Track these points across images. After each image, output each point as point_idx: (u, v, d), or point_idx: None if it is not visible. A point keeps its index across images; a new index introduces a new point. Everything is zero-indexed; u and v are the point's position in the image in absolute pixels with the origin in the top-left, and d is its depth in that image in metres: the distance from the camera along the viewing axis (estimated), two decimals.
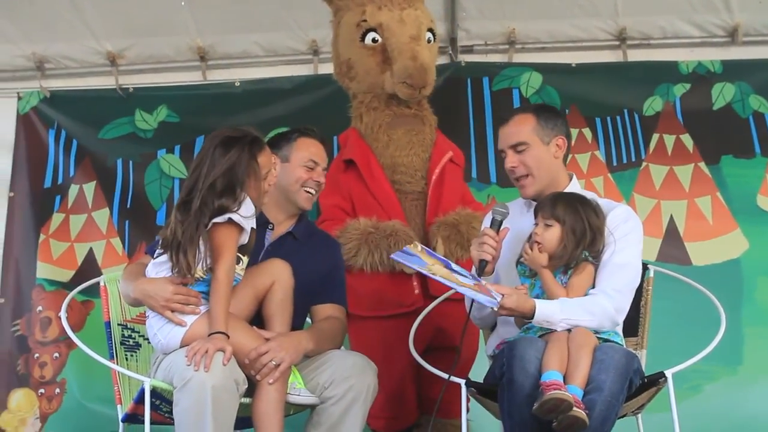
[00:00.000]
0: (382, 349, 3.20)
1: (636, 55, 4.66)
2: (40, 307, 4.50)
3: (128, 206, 4.60)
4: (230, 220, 2.60)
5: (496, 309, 2.63)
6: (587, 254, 2.73)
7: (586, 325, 2.65)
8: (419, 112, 3.60)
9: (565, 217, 2.73)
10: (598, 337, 2.66)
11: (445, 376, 2.84)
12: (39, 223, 4.60)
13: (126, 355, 3.03)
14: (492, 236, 2.77)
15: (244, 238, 2.66)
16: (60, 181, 4.65)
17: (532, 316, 2.65)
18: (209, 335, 2.56)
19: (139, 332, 3.05)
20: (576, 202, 2.78)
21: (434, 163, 3.54)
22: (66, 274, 4.51)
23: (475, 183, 4.47)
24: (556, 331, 2.64)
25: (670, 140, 4.57)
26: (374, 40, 3.54)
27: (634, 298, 2.82)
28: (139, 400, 2.66)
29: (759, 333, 4.25)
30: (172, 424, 2.56)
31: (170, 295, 2.63)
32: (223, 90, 4.72)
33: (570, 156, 3.06)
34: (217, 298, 2.59)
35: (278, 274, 2.75)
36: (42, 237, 4.57)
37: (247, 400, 2.64)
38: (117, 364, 2.96)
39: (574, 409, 2.41)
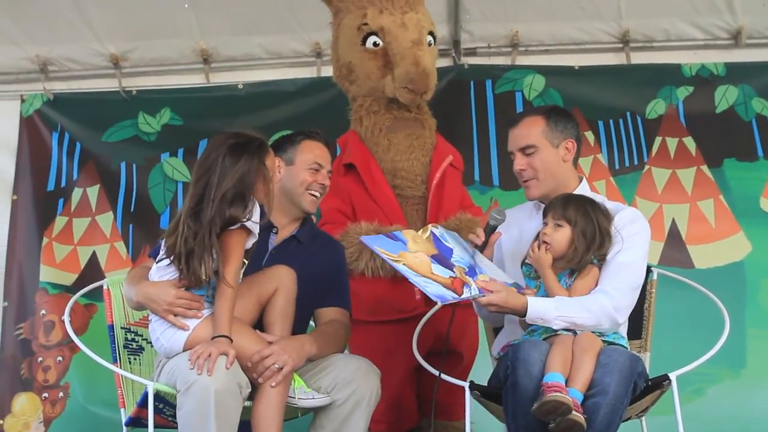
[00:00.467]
0: (382, 354, 3.18)
1: (639, 58, 4.64)
2: (43, 311, 4.50)
3: (132, 210, 4.60)
4: (242, 225, 2.61)
5: (453, 303, 2.60)
6: (593, 257, 2.73)
7: (583, 323, 2.64)
8: (419, 116, 3.59)
9: (577, 219, 2.73)
10: (603, 341, 2.65)
11: (448, 379, 2.84)
12: (42, 227, 4.60)
13: (129, 358, 3.02)
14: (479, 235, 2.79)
15: (250, 243, 2.67)
16: (63, 184, 4.65)
17: (525, 314, 2.64)
18: (213, 338, 2.56)
19: (142, 336, 3.04)
20: (586, 204, 2.77)
21: (435, 168, 3.52)
22: (69, 278, 4.51)
23: (478, 186, 4.47)
24: (561, 333, 2.64)
25: (672, 143, 4.56)
26: (375, 44, 3.52)
27: (637, 301, 2.81)
28: (143, 403, 2.65)
29: (762, 335, 4.25)
30: (176, 427, 2.56)
31: (173, 299, 2.63)
32: (227, 93, 4.71)
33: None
34: (222, 301, 2.59)
35: (282, 281, 2.74)
36: (45, 240, 4.57)
37: (249, 403, 2.63)
38: (120, 367, 2.95)
39: (573, 412, 2.41)
